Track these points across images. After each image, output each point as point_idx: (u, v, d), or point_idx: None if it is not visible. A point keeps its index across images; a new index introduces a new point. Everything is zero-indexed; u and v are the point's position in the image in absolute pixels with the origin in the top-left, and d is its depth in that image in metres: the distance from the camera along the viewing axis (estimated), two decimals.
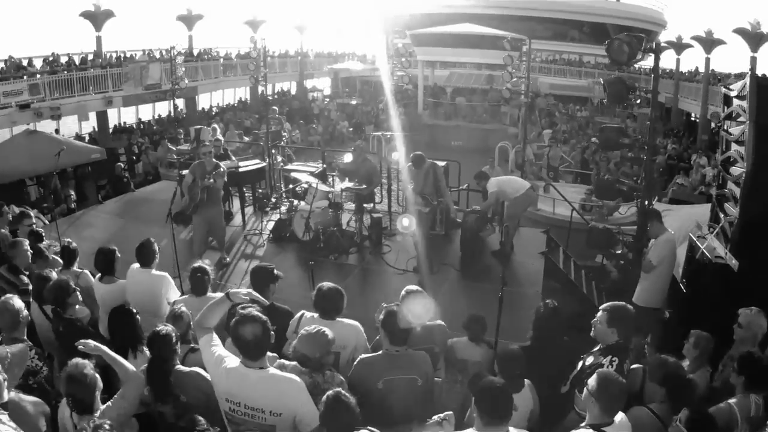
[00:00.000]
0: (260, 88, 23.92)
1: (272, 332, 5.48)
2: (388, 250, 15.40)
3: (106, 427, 4.75)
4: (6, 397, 5.38)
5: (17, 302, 7.03)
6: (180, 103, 28.60)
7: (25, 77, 33.16)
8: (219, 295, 7.48)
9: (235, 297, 5.71)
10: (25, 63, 35.60)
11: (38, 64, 36.57)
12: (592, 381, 5.58)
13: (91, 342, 5.93)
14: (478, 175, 15.20)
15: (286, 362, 6.30)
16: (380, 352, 6.57)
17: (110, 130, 40.68)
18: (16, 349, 6.40)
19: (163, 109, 46.31)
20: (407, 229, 13.86)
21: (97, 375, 5.56)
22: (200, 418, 5.11)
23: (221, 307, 5.83)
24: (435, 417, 5.27)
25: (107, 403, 5.61)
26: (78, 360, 5.54)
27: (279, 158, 21.42)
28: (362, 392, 5.65)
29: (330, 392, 5.16)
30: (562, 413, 7.05)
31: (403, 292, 7.60)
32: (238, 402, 5.37)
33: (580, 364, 7.14)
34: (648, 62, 12.23)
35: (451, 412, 5.34)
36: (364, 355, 6.63)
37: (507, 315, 8.79)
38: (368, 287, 13.66)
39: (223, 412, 5.57)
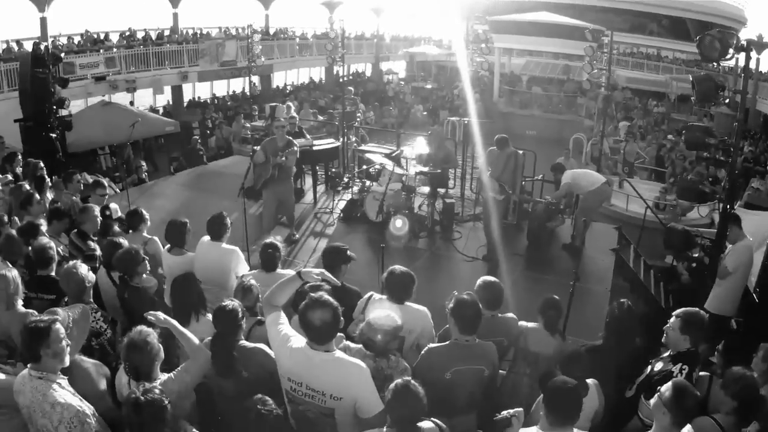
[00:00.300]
0: (335, 69, 23.84)
1: (342, 318, 5.34)
2: (458, 237, 15.18)
3: (156, 392, 4.73)
4: (68, 361, 5.39)
5: (82, 269, 7.05)
6: (255, 80, 28.76)
7: (101, 51, 33.81)
8: (289, 272, 7.39)
9: (307, 276, 5.58)
10: (101, 37, 36.20)
11: (115, 38, 37.24)
12: (666, 391, 5.34)
13: (161, 314, 5.83)
14: (555, 167, 14.87)
15: (352, 345, 6.16)
16: (449, 342, 6.36)
17: (185, 105, 41.21)
18: (78, 309, 6.37)
19: (237, 85, 46.97)
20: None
21: (160, 345, 5.54)
22: (268, 399, 4.93)
23: (291, 285, 5.72)
24: (504, 413, 5.06)
25: (169, 375, 5.56)
26: (143, 327, 5.52)
27: (353, 138, 21.32)
28: (429, 382, 5.39)
29: (399, 381, 4.97)
30: (624, 418, 6.80)
31: (479, 281, 7.37)
32: (300, 382, 5.28)
33: (648, 368, 6.88)
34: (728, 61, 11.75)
35: (521, 409, 5.12)
36: (432, 345, 6.45)
37: (574, 311, 8.60)
38: (437, 273, 13.45)
39: (284, 390, 5.50)
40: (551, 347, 7.26)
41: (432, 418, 5.12)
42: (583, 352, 6.40)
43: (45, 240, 8.40)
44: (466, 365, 6.16)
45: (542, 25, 44.06)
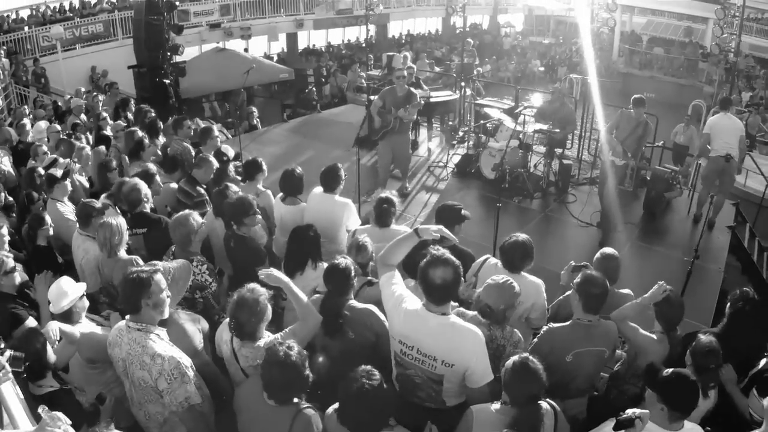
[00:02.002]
0: (452, 20, 23.48)
1: (463, 278, 5.16)
2: (573, 200, 14.69)
3: (295, 350, 4.71)
4: (167, 313, 5.43)
5: (193, 219, 7.18)
6: (371, 29, 28.81)
7: None
8: (402, 227, 7.26)
9: (424, 233, 5.27)
10: None
11: None
12: None
13: (275, 272, 5.68)
14: (724, 101, 13.57)
15: (467, 312, 5.95)
16: (570, 323, 6.10)
17: (299, 52, 41.35)
18: (179, 263, 6.34)
19: (352, 34, 47.13)
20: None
21: (269, 306, 5.45)
22: (374, 371, 4.65)
23: (407, 243, 5.43)
24: (629, 412, 4.73)
25: (276, 335, 5.53)
26: (255, 286, 5.43)
27: (468, 91, 20.88)
28: (548, 364, 5.14)
29: (516, 358, 4.85)
30: (732, 409, 6.27)
31: (598, 254, 7.15)
32: (411, 346, 5.14)
33: (763, 362, 6.38)
34: None
35: (647, 412, 4.78)
36: (554, 325, 6.20)
37: (688, 289, 8.29)
38: (548, 236, 13.14)
39: (393, 352, 5.39)
40: (664, 355, 6.61)
41: (547, 399, 4.96)
42: (718, 345, 5.86)
43: (134, 181, 8.62)
44: (587, 347, 5.95)
45: None
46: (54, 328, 5.41)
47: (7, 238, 7.59)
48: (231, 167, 10.40)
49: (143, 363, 5.06)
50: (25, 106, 20.13)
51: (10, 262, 6.63)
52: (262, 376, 4.75)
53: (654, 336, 6.44)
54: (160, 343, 5.19)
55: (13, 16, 29.65)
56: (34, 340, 5.03)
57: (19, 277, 6.76)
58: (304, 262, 7.06)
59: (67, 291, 5.88)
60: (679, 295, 6.66)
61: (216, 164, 10.05)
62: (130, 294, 5.17)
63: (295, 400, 4.75)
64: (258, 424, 4.87)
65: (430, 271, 4.93)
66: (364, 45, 33.80)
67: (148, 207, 8.55)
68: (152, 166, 9.97)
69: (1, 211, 9.61)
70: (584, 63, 25.52)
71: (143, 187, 8.48)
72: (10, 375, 4.45)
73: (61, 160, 10.48)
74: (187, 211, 7.37)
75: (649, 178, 14.65)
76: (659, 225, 13.87)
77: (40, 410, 3.98)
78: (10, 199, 10.09)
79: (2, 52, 24.86)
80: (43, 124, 14.13)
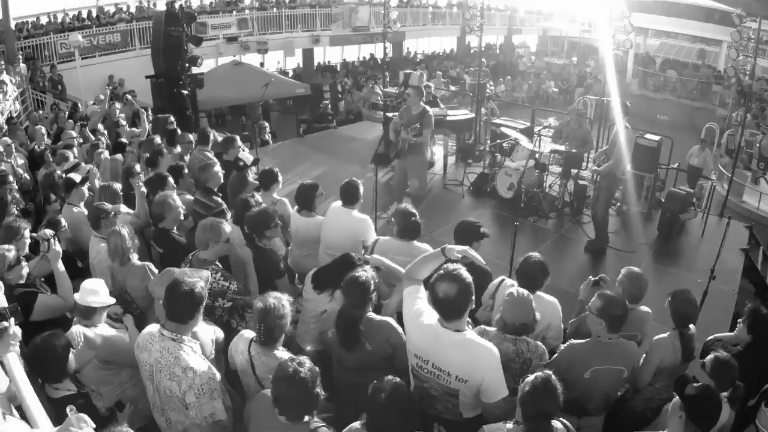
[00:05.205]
0: (467, 39, 23.54)
1: (473, 296, 5.10)
2: (588, 221, 14.45)
3: (307, 366, 4.68)
4: (200, 321, 5.51)
5: (226, 227, 7.34)
6: (387, 46, 29.09)
7: (234, 12, 34.90)
8: (424, 245, 7.53)
9: (450, 253, 5.33)
10: None
11: (247, 0, 37.82)
12: None
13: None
14: None
15: (488, 328, 6.04)
16: (590, 339, 6.14)
17: (315, 68, 41.54)
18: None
19: (367, 51, 47.24)
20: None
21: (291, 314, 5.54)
22: (400, 382, 4.72)
23: (434, 261, 5.53)
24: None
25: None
26: (279, 294, 5.59)
27: (483, 110, 20.93)
28: (566, 380, 5.12)
29: (539, 374, 4.75)
30: (742, 425, 6.34)
31: (623, 271, 7.23)
32: (426, 360, 5.18)
33: None
34: None
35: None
36: (574, 341, 6.25)
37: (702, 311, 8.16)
38: (563, 256, 13.08)
39: (410, 366, 5.42)
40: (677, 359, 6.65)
41: (561, 418, 4.93)
42: (735, 362, 5.84)
43: (165, 194, 8.57)
44: (606, 365, 5.96)
45: (680, 5, 42.89)
46: (78, 331, 5.40)
47: (28, 240, 7.60)
48: (250, 174, 10.42)
49: (173, 374, 5.09)
50: (41, 111, 20.27)
51: (11, 256, 6.61)
52: (272, 391, 4.76)
53: (665, 335, 6.59)
54: (194, 356, 5.22)
55: (33, 21, 29.86)
56: (58, 342, 5.01)
57: (27, 268, 6.76)
58: (329, 287, 6.95)
59: (99, 291, 5.91)
60: (689, 292, 6.75)
61: (217, 167, 10.08)
62: (188, 307, 5.27)
63: (307, 418, 4.72)
64: None
65: (436, 286, 5.00)
66: (380, 62, 33.98)
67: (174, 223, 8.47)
68: (166, 173, 10.00)
69: (21, 215, 9.58)
70: (599, 84, 25.50)
71: (174, 203, 8.40)
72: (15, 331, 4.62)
73: (82, 165, 10.50)
74: (219, 219, 7.60)
75: (663, 200, 14.60)
76: (674, 247, 13.86)
77: (68, 410, 3.99)
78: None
79: (20, 57, 25.08)
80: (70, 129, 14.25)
